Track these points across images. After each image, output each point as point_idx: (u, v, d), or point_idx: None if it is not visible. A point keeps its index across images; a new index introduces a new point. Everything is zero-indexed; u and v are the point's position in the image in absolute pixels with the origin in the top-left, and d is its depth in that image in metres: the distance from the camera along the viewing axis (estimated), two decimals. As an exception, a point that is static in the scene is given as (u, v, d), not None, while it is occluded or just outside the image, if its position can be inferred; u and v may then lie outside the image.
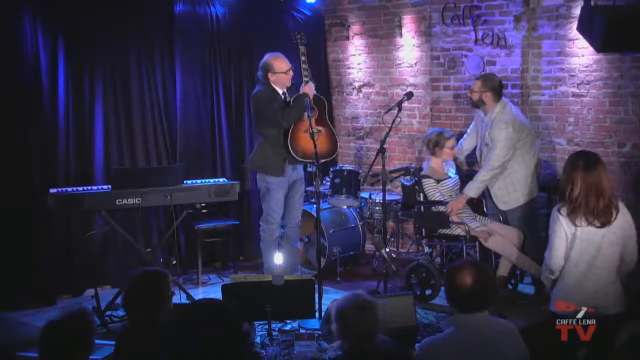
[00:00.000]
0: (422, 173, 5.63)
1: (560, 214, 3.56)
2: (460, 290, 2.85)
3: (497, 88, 5.40)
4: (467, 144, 5.82)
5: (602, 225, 3.48)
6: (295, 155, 5.41)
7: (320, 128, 5.49)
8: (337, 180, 6.15)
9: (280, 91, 5.49)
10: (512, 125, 5.28)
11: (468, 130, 5.86)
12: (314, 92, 5.48)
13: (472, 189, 5.40)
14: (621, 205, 3.59)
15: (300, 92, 5.41)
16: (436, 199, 5.49)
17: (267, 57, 5.49)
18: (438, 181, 5.58)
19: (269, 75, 5.44)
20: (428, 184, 5.56)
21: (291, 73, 5.48)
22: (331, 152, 5.64)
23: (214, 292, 5.53)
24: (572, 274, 3.55)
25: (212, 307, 2.73)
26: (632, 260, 3.62)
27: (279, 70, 5.41)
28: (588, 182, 3.49)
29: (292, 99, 5.46)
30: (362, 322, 2.91)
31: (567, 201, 3.55)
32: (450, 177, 5.66)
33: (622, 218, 3.55)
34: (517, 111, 5.54)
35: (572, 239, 3.54)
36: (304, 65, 5.45)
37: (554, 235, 3.63)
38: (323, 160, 5.48)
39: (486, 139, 5.41)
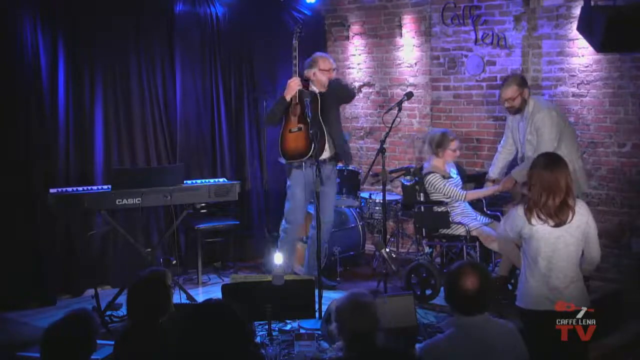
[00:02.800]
0: (427, 170, 5.56)
1: (517, 212, 3.59)
2: (462, 294, 2.85)
3: (526, 82, 5.32)
4: (500, 161, 5.58)
5: (556, 225, 3.49)
6: (284, 156, 5.40)
7: (301, 126, 5.37)
8: (337, 180, 6.14)
9: (317, 90, 5.45)
10: (555, 110, 5.20)
11: (499, 149, 5.61)
12: (300, 86, 5.37)
13: (520, 173, 5.06)
14: (581, 206, 3.58)
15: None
16: (448, 191, 5.41)
17: (315, 55, 5.53)
18: (443, 177, 5.54)
19: (310, 72, 5.44)
20: (436, 178, 5.46)
21: (332, 74, 5.47)
22: (305, 152, 5.37)
23: (214, 292, 5.53)
24: (531, 271, 3.58)
25: (216, 308, 2.73)
26: (594, 261, 3.64)
27: (323, 68, 5.42)
28: (544, 181, 3.51)
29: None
30: (358, 321, 2.90)
31: (525, 199, 3.58)
32: (452, 177, 5.63)
33: (581, 219, 3.53)
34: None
35: (529, 238, 3.56)
36: (294, 61, 5.39)
37: (507, 224, 3.70)
38: (294, 161, 5.47)
39: (527, 135, 5.19)
